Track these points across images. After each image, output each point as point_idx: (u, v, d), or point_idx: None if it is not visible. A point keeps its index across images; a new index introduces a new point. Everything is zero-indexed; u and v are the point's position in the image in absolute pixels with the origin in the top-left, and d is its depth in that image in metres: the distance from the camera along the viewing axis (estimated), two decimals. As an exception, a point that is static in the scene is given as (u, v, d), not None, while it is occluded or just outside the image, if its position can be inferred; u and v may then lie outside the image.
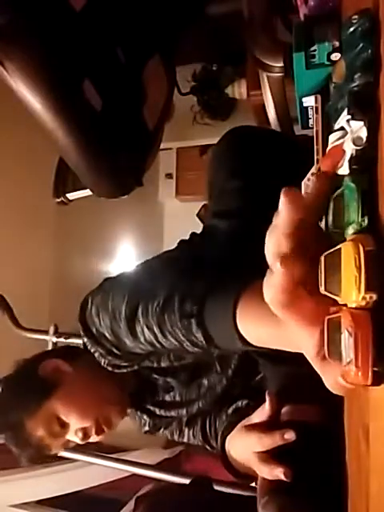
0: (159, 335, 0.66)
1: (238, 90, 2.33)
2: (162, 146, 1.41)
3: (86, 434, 0.92)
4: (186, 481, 1.11)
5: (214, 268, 0.67)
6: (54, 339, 1.50)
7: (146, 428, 1.04)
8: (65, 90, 0.88)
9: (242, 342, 0.50)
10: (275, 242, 0.34)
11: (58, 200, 1.64)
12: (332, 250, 0.31)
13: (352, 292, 0.28)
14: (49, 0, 0.83)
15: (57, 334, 1.50)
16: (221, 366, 0.93)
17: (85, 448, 1.34)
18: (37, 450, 0.93)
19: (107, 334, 0.79)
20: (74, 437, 0.93)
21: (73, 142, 0.93)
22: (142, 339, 0.71)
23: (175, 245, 0.92)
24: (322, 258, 0.33)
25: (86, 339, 0.86)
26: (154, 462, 1.80)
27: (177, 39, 1.34)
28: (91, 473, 1.81)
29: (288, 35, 0.97)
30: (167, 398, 0.98)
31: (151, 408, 1.00)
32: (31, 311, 1.72)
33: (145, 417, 1.02)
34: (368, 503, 0.36)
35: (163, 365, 0.91)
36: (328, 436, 0.66)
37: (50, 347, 1.50)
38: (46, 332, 1.52)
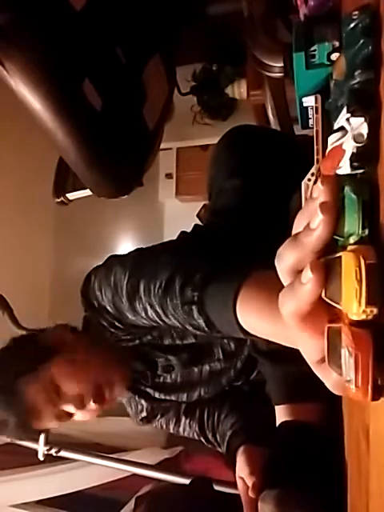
0: (162, 315, 0.67)
1: (238, 90, 2.33)
2: (162, 146, 1.41)
3: (81, 401, 0.88)
4: (186, 481, 1.11)
5: (214, 256, 0.67)
6: (54, 339, 1.50)
7: (143, 414, 1.03)
8: (65, 89, 0.88)
9: (243, 332, 0.50)
10: (298, 257, 0.33)
11: (58, 200, 1.64)
12: (332, 256, 0.31)
13: (353, 304, 0.28)
14: (49, 0, 0.83)
15: (57, 333, 1.50)
16: (225, 354, 0.93)
17: (85, 448, 1.34)
18: (27, 416, 0.88)
19: (109, 308, 0.80)
20: (68, 406, 0.89)
21: (73, 142, 0.93)
22: (143, 314, 0.72)
23: (176, 236, 0.93)
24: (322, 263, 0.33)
25: (88, 313, 0.86)
26: (153, 462, 1.80)
27: (177, 39, 1.34)
28: (91, 473, 1.81)
29: (288, 35, 0.97)
30: (168, 379, 0.97)
31: (150, 391, 0.99)
32: (31, 311, 1.72)
33: (142, 401, 1.01)
34: (368, 503, 0.36)
35: (166, 342, 0.92)
36: (328, 435, 0.66)
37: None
38: (46, 332, 1.51)
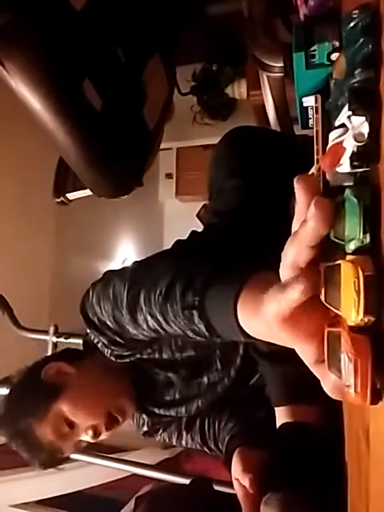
0: (163, 323, 0.66)
1: (238, 90, 2.33)
2: (162, 146, 1.41)
3: (96, 431, 0.93)
4: (186, 481, 1.11)
5: (214, 259, 0.67)
6: (54, 339, 1.50)
7: (145, 428, 1.04)
8: (65, 89, 0.88)
9: (244, 335, 0.50)
10: (296, 250, 0.34)
11: (58, 200, 1.64)
12: (332, 264, 0.31)
13: (351, 312, 0.29)
14: (49, 0, 0.83)
15: (57, 334, 1.50)
16: (222, 364, 0.93)
17: (85, 448, 1.34)
18: (49, 454, 0.93)
19: (109, 322, 0.79)
20: (84, 436, 0.93)
21: (73, 143, 0.93)
22: (145, 326, 0.71)
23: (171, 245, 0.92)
24: (322, 269, 0.33)
25: (88, 330, 0.85)
26: (153, 462, 1.80)
27: (177, 39, 1.34)
28: (91, 473, 1.81)
29: (288, 35, 0.97)
30: (167, 397, 0.98)
31: (150, 407, 1.00)
32: (31, 311, 1.72)
33: (144, 416, 1.02)
34: (368, 503, 0.36)
35: (165, 356, 0.92)
36: (328, 436, 0.66)
37: (49, 347, 1.50)
38: (45, 332, 1.51)
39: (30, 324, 1.55)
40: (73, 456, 1.35)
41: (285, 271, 0.37)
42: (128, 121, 1.11)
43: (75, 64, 0.90)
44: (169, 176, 2.64)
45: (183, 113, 2.40)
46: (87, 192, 1.42)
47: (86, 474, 1.81)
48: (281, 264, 0.37)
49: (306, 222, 0.32)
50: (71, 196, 1.62)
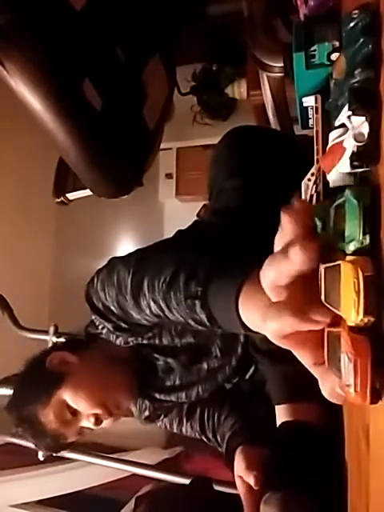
0: (165, 310, 0.67)
1: (238, 89, 2.33)
2: (162, 146, 1.41)
3: (97, 418, 0.95)
4: (186, 481, 1.11)
5: (216, 254, 0.68)
6: (54, 339, 1.50)
7: (146, 413, 1.05)
8: (65, 90, 0.88)
9: (244, 328, 0.50)
10: (276, 277, 0.36)
11: (58, 200, 1.65)
12: (332, 264, 0.32)
13: (351, 313, 0.29)
14: (49, 0, 0.83)
15: (57, 333, 1.50)
16: (222, 352, 0.94)
17: (85, 448, 1.34)
18: (53, 440, 0.96)
19: (113, 308, 0.80)
20: (86, 423, 0.95)
21: (73, 143, 0.93)
22: (148, 311, 0.72)
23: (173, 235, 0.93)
24: (322, 269, 0.33)
25: (93, 316, 0.87)
26: (154, 462, 1.79)
27: (177, 39, 1.34)
28: (91, 473, 1.81)
29: (288, 35, 0.97)
30: (168, 382, 1.00)
31: (152, 392, 1.02)
32: (31, 311, 1.72)
33: (146, 401, 1.04)
34: (368, 503, 0.36)
35: (164, 341, 0.93)
36: (328, 435, 0.66)
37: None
38: (45, 332, 1.51)
39: (30, 324, 1.55)
40: (73, 456, 1.35)
41: (266, 288, 0.38)
42: (128, 121, 1.11)
43: (75, 64, 0.90)
44: (169, 176, 2.64)
45: (183, 113, 2.40)
46: (87, 192, 1.42)
47: (86, 473, 1.81)
48: (261, 280, 0.39)
49: (289, 258, 0.34)
50: (71, 196, 1.62)
